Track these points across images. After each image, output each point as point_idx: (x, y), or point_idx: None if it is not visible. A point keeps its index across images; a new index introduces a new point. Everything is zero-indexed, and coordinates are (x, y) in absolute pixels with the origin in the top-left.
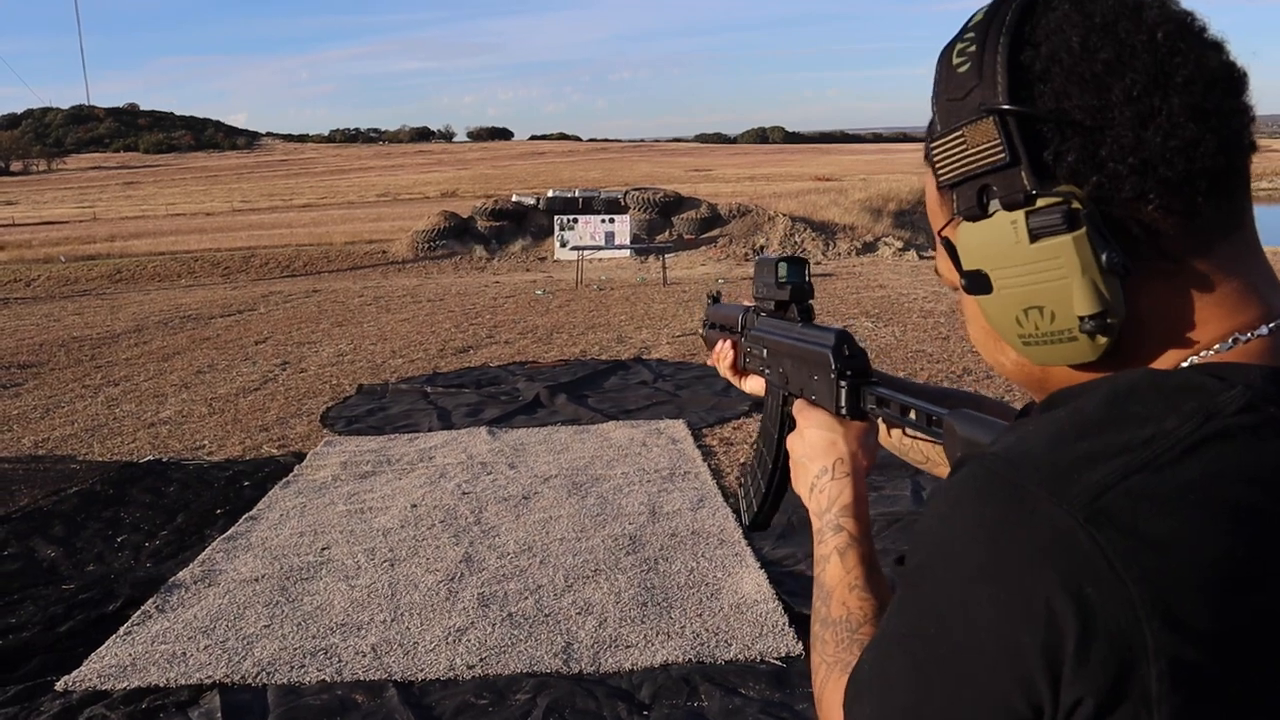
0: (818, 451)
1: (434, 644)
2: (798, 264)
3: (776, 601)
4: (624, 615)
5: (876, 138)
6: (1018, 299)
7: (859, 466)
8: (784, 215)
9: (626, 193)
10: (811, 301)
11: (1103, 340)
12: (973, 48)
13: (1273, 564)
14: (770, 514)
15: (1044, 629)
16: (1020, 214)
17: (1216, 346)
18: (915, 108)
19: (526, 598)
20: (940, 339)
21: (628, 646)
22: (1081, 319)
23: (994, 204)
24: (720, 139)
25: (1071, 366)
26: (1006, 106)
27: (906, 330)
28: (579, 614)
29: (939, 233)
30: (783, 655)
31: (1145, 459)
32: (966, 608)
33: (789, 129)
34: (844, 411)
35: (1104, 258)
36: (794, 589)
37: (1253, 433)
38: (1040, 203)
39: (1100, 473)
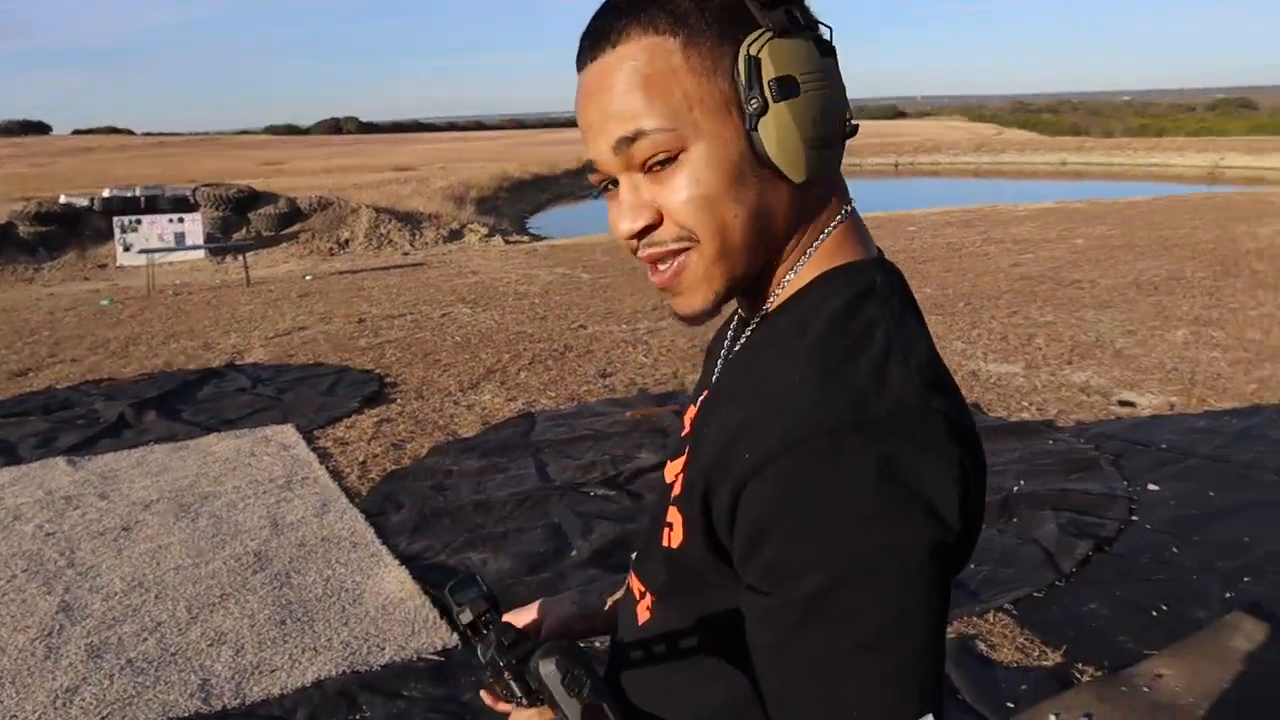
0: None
1: (38, 712)
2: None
3: (423, 597)
4: (263, 638)
5: (451, 126)
6: (819, 99)
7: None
8: (367, 207)
9: (196, 189)
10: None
11: (840, 149)
12: None
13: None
14: None
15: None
16: (813, 37)
17: (838, 218)
18: (490, 96)
19: (146, 639)
20: (538, 319)
21: (273, 670)
22: (845, 121)
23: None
24: (292, 130)
25: (797, 188)
26: None
27: (505, 314)
28: (211, 645)
29: (748, 49)
30: (439, 649)
31: (904, 349)
32: (918, 570)
33: (364, 119)
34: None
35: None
36: (438, 580)
37: (906, 306)
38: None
39: (912, 380)
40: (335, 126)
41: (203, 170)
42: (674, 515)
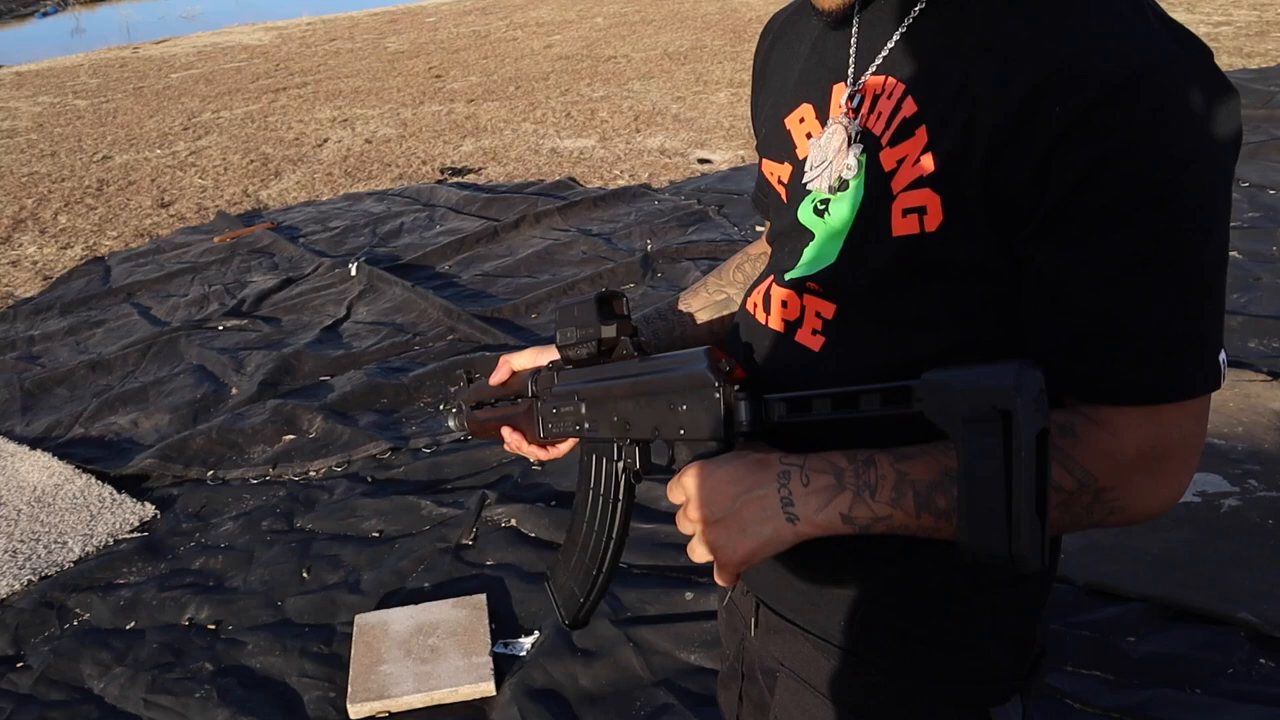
0: (746, 480)
1: None
2: (610, 299)
3: (85, 476)
4: None
5: None
6: None
7: (788, 457)
8: None
9: None
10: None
11: None
12: None
13: None
14: (597, 604)
15: None
16: None
17: None
18: None
19: None
20: (47, 156)
21: None
22: None
23: None
24: None
25: None
26: None
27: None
28: None
29: None
30: (137, 524)
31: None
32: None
33: None
34: (742, 431)
35: None
36: (91, 456)
37: None
38: None
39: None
40: None
41: None
42: (925, 198)
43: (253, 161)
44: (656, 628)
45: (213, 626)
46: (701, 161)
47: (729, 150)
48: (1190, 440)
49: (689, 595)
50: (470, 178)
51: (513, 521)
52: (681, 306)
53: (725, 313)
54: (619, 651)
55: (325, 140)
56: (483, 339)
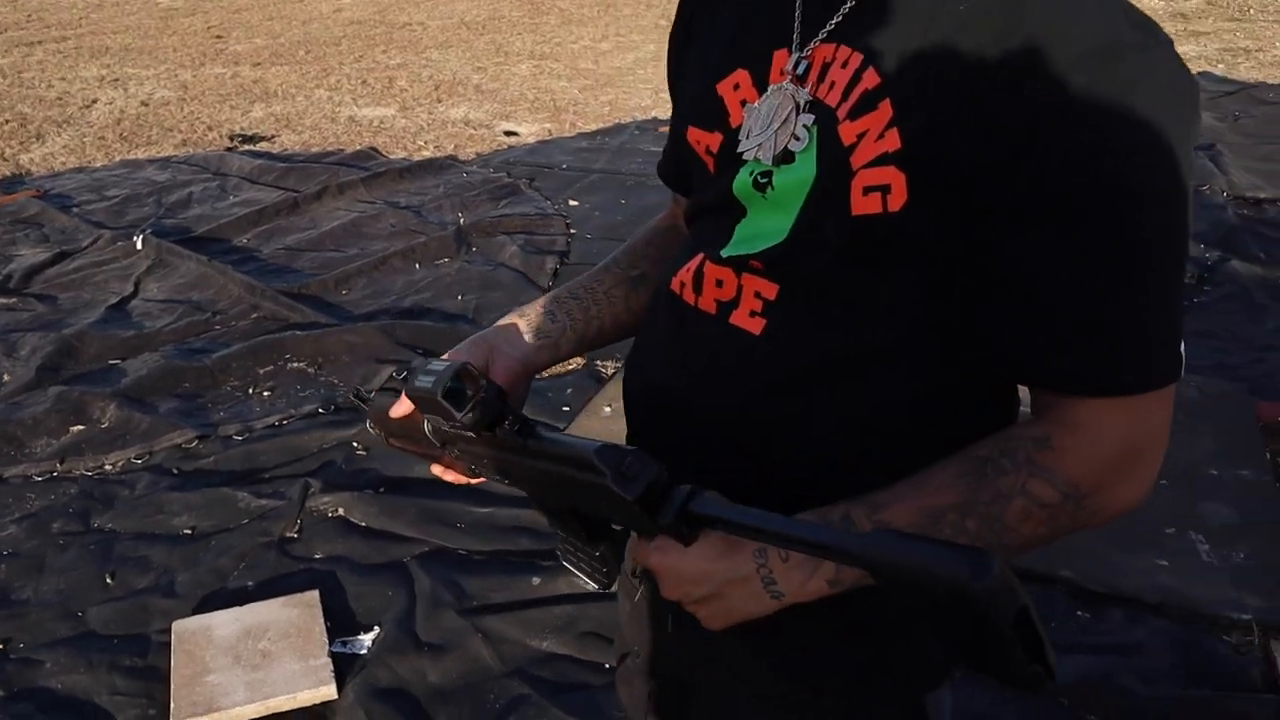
0: (721, 562)
1: None
2: (459, 386)
3: None
4: None
5: None
6: None
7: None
8: None
9: None
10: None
11: None
12: None
13: None
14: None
15: None
16: None
17: None
18: None
19: None
20: None
21: None
22: None
23: None
24: None
25: None
26: None
27: None
28: None
29: None
30: None
31: None
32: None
33: None
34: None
35: None
36: None
37: None
38: None
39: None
40: None
41: None
42: (889, 175)
43: (8, 121)
44: (504, 616)
45: (0, 646)
46: (508, 134)
47: (535, 123)
48: (1159, 433)
49: (536, 580)
50: (263, 145)
51: (340, 510)
52: (593, 285)
53: (640, 290)
54: (467, 643)
55: (94, 101)
56: (291, 316)
